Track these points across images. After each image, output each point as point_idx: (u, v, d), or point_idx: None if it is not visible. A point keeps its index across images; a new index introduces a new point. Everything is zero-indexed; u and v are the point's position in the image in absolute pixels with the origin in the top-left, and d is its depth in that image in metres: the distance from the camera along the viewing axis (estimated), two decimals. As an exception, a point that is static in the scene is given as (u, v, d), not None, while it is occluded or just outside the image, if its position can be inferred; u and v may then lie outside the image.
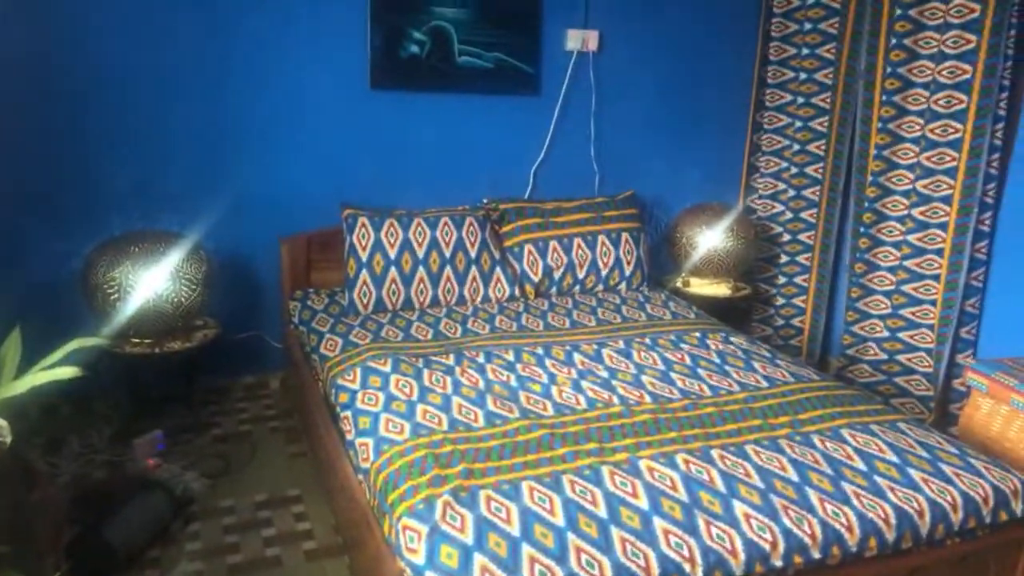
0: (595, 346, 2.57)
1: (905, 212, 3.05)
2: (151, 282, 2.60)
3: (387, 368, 2.33)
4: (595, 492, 1.71)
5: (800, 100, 3.53)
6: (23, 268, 2.72)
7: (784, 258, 3.68)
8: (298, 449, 2.77)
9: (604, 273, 3.20)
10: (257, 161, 3.05)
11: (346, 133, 3.18)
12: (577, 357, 2.48)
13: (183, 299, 2.67)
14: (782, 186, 3.67)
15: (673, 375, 2.37)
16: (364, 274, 2.88)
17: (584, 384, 2.28)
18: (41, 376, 1.66)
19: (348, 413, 2.17)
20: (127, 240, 2.65)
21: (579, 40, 3.43)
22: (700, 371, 2.41)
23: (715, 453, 1.89)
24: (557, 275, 3.14)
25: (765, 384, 2.32)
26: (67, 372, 1.65)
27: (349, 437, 2.11)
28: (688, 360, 2.48)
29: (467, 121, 3.36)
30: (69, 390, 2.06)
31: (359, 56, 3.11)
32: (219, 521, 2.34)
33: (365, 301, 2.87)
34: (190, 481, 2.48)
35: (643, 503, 1.68)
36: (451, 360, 2.42)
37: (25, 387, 1.63)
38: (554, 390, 2.23)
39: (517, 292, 3.07)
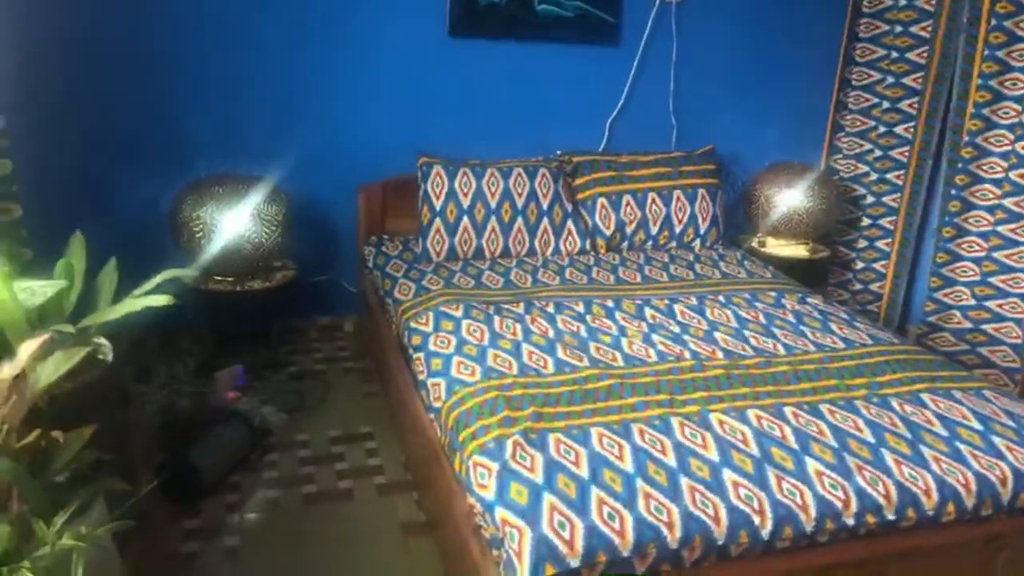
0: (667, 301, 2.55)
1: (1003, 175, 2.89)
2: (233, 222, 2.69)
3: (459, 313, 2.36)
4: (664, 441, 1.71)
5: (894, 55, 3.35)
6: (117, 208, 2.84)
7: (866, 221, 3.55)
8: (371, 389, 2.85)
9: (678, 229, 3.15)
10: (335, 109, 3.09)
11: (423, 81, 3.18)
12: (648, 311, 2.46)
13: (263, 240, 2.75)
14: (868, 146, 3.52)
15: (747, 333, 2.33)
16: (437, 222, 2.91)
17: (655, 338, 2.27)
18: (136, 302, 1.74)
19: (421, 355, 2.21)
20: (211, 182, 2.73)
21: (663, -12, 3.33)
22: (775, 330, 2.36)
23: (788, 411, 1.86)
24: (630, 230, 3.11)
25: (842, 345, 2.27)
26: (160, 300, 1.73)
27: (421, 378, 2.15)
28: (763, 319, 2.44)
29: (544, 71, 3.32)
30: (157, 323, 2.16)
31: (438, 4, 3.10)
32: (295, 453, 2.44)
33: (438, 248, 2.90)
34: (268, 415, 2.58)
35: (713, 455, 1.67)
36: (521, 308, 2.43)
37: (121, 312, 1.71)
38: (624, 342, 2.23)
39: (588, 245, 3.05)
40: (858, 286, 3.61)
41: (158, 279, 1.87)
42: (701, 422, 1.80)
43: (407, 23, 3.09)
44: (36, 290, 1.44)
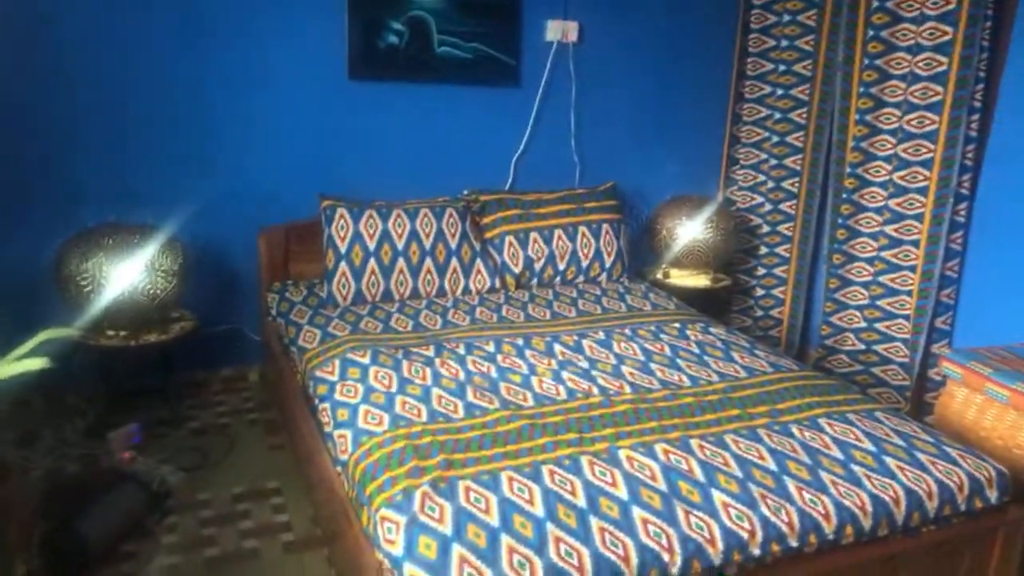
0: (575, 337, 2.57)
1: (882, 203, 3.07)
2: (126, 274, 2.57)
3: (366, 360, 2.31)
4: (574, 482, 1.71)
5: (779, 92, 3.54)
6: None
7: (763, 249, 3.70)
8: (277, 441, 2.75)
9: (585, 264, 3.20)
10: (234, 152, 3.02)
11: (324, 124, 3.15)
12: (557, 348, 2.47)
13: (159, 291, 2.64)
14: (761, 177, 3.69)
15: (653, 365, 2.37)
16: (343, 266, 2.86)
17: (564, 375, 2.28)
18: (9, 368, 1.62)
19: (327, 405, 2.15)
20: (101, 232, 2.61)
21: (559, 31, 3.42)
22: (680, 361, 2.41)
23: (694, 443, 1.89)
24: (538, 267, 3.13)
25: (744, 374, 2.33)
26: (35, 363, 1.62)
27: (327, 429, 2.09)
28: (668, 350, 2.49)
29: (447, 112, 3.35)
30: (43, 383, 2.03)
31: (337, 47, 3.09)
32: (196, 514, 2.32)
33: (344, 293, 2.85)
34: (166, 474, 2.45)
35: (622, 493, 1.68)
36: (431, 351, 2.40)
37: (-7, 380, 1.59)
38: (534, 380, 2.23)
39: (498, 284, 3.06)
40: (759, 312, 3.75)
41: (36, 340, 1.76)
42: (610, 459, 1.81)
43: (307, 65, 3.06)
44: None
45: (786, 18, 3.46)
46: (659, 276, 3.55)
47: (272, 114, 3.05)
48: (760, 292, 3.73)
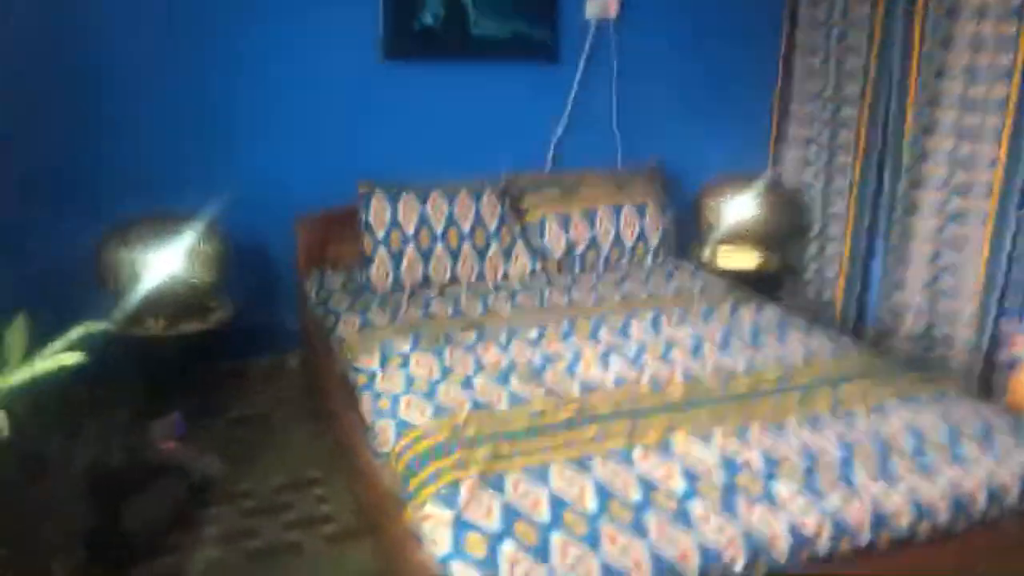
0: (622, 321, 2.47)
1: (945, 176, 2.90)
2: (164, 263, 2.55)
3: (407, 347, 2.25)
4: (627, 475, 1.62)
5: (833, 63, 3.36)
6: (33, 253, 2.65)
7: (815, 228, 3.54)
8: (318, 430, 2.70)
9: (629, 246, 3.09)
10: (270, 139, 2.96)
11: (359, 106, 3.08)
12: (603, 332, 2.38)
13: (197, 280, 2.61)
14: (812, 153, 3.52)
15: (704, 350, 2.26)
16: (381, 251, 2.80)
17: (611, 361, 2.18)
18: (46, 362, 1.59)
19: (367, 395, 2.09)
20: (139, 222, 2.58)
21: (599, 6, 3.29)
22: (733, 345, 2.30)
23: (753, 432, 1.79)
24: (580, 249, 3.03)
25: (802, 357, 2.21)
26: (71, 358, 1.59)
27: (368, 418, 2.03)
28: (719, 334, 2.38)
29: (484, 92, 3.25)
30: (85, 375, 2.00)
31: (371, 28, 3.01)
32: (238, 505, 2.29)
33: (383, 279, 2.78)
34: (207, 465, 2.42)
35: (679, 486, 1.59)
36: (473, 338, 2.33)
37: (28, 374, 1.56)
38: (580, 367, 2.14)
39: (539, 267, 2.97)
40: (811, 293, 3.59)
41: (74, 334, 1.72)
42: (663, 450, 1.72)
43: (341, 48, 2.99)
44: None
45: (838, -17, 3.28)
46: (706, 257, 3.42)
47: (306, 99, 2.98)
48: (812, 272, 3.58)
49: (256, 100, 2.92)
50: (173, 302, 2.61)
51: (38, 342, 1.78)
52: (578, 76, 3.33)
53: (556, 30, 3.26)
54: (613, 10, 3.30)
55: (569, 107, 3.36)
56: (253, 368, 3.12)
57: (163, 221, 2.60)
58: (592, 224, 3.06)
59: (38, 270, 2.60)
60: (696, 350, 2.26)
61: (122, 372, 2.65)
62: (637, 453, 1.70)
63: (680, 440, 1.75)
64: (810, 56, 3.47)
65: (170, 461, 2.38)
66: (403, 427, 1.86)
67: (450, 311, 2.58)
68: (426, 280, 2.82)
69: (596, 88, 3.39)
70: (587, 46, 3.31)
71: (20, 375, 1.56)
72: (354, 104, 3.07)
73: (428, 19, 3.08)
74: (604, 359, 2.20)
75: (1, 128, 2.56)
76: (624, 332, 2.38)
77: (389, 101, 3.12)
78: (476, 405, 1.93)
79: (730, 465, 1.66)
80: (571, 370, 2.12)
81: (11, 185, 2.61)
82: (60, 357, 1.59)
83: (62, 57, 2.62)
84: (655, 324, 2.44)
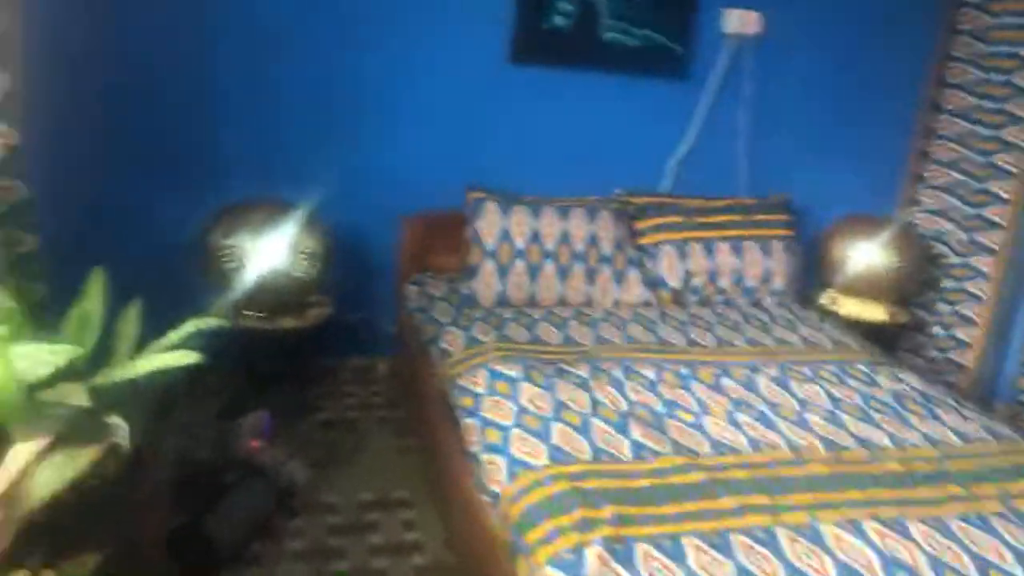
0: (747, 371, 2.27)
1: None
2: (269, 253, 2.46)
3: (516, 373, 2.10)
4: (774, 562, 1.43)
5: (987, 104, 3.08)
6: (140, 232, 2.60)
7: (948, 283, 3.26)
8: (406, 444, 2.58)
9: (750, 284, 2.88)
10: (381, 135, 2.86)
11: (476, 110, 2.95)
12: (727, 383, 2.18)
13: (300, 273, 2.52)
14: (954, 201, 3.24)
15: (843, 417, 2.05)
16: (489, 264, 2.66)
17: (741, 418, 1.99)
18: (159, 359, 1.49)
19: (473, 421, 1.95)
20: (246, 207, 2.51)
21: (738, 21, 3.09)
22: (874, 414, 2.08)
23: (914, 527, 1.58)
24: (698, 282, 2.84)
25: (957, 439, 1.98)
26: (187, 357, 1.48)
27: (474, 449, 1.89)
28: (858, 399, 2.16)
29: (605, 103, 3.08)
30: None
31: (497, 29, 2.87)
32: (323, 519, 2.18)
33: (488, 293, 2.65)
34: (294, 471, 2.32)
35: (835, 584, 1.39)
36: (586, 371, 2.16)
37: (143, 371, 1.47)
38: (708, 422, 1.95)
39: (652, 298, 2.78)
40: (934, 353, 3.31)
41: (185, 329, 1.62)
42: (813, 535, 1.52)
43: (466, 45, 2.87)
44: (41, 358, 1.20)
45: (1007, 20, 3.00)
46: (829, 303, 3.17)
47: (424, 97, 2.87)
48: (939, 331, 3.29)
49: (373, 95, 2.83)
50: (274, 295, 2.52)
51: (145, 322, 1.70)
52: (707, 94, 3.14)
53: (690, 42, 3.07)
54: (753, 26, 3.09)
55: (695, 125, 3.17)
56: (343, 368, 3.03)
57: (271, 207, 2.52)
58: (711, 256, 2.86)
59: (149, 247, 2.55)
60: (833, 416, 2.05)
61: (216, 363, 2.57)
62: (783, 536, 1.51)
63: (830, 525, 1.55)
64: (963, 93, 3.19)
65: (257, 462, 2.29)
66: (517, 467, 1.71)
67: (559, 337, 2.42)
68: (532, 299, 2.67)
69: (725, 108, 3.19)
70: (721, 62, 3.11)
71: (133, 370, 1.47)
72: (471, 105, 2.94)
73: (558, 20, 2.93)
74: (732, 415, 2.00)
75: (123, 110, 2.52)
76: (751, 386, 2.18)
77: (508, 106, 2.98)
78: (596, 453, 1.76)
79: (891, 566, 1.45)
80: (698, 424, 1.94)
81: (128, 163, 2.57)
82: (175, 355, 1.49)
83: (181, 36, 2.55)
84: (784, 379, 2.23)
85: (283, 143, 2.75)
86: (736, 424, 1.96)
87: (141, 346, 1.57)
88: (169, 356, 1.50)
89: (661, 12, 3.00)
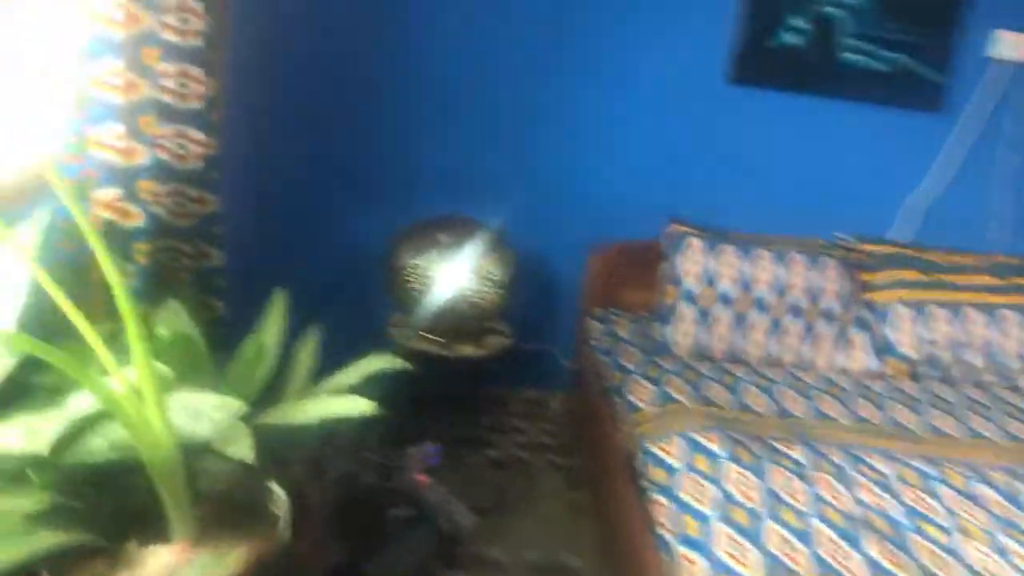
0: (1007, 477, 1.83)
1: None
2: (454, 277, 2.33)
3: (719, 449, 1.80)
4: None
5: None
6: (324, 247, 2.57)
7: None
8: (580, 500, 2.34)
9: (1008, 363, 2.38)
10: (577, 156, 2.67)
11: (684, 134, 2.67)
12: (984, 491, 1.76)
13: (483, 299, 2.36)
14: None
15: None
16: (686, 308, 2.37)
17: (1008, 544, 1.58)
18: (332, 405, 1.35)
19: (664, 500, 1.68)
20: (435, 226, 2.39)
21: (1011, 45, 2.59)
22: None
23: None
24: (940, 353, 2.38)
25: None
26: (364, 407, 1.33)
27: (666, 536, 1.61)
28: None
29: (836, 133, 2.71)
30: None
31: (715, 44, 2.58)
32: (486, 577, 1.99)
33: (684, 341, 2.36)
34: (460, 515, 2.15)
35: None
36: (802, 455, 1.82)
37: (315, 417, 1.33)
38: (964, 545, 1.56)
39: (880, 367, 2.37)
40: None
41: (364, 369, 1.48)
42: None
43: (681, 62, 2.60)
44: (203, 410, 1.07)
45: None
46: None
47: (629, 118, 2.63)
48: None
49: (576, 115, 2.62)
50: (455, 320, 2.38)
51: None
52: (963, 129, 2.67)
53: (948, 69, 2.62)
54: (1031, 52, 2.59)
55: (943, 166, 2.70)
56: (513, 399, 2.85)
57: (458, 231, 2.38)
58: (958, 323, 2.40)
59: (329, 268, 2.53)
60: None
61: (391, 384, 2.48)
62: None
63: None
64: None
65: (422, 498, 2.15)
66: (722, 573, 1.42)
67: (770, 406, 2.09)
68: (735, 354, 2.35)
69: (983, 147, 2.70)
70: (984, 93, 2.63)
71: (303, 413, 1.34)
72: (680, 129, 2.67)
73: (788, 37, 2.59)
74: (995, 538, 1.59)
75: (319, 122, 2.49)
76: (1015, 499, 1.75)
77: (721, 131, 2.69)
78: (822, 569, 1.44)
79: None
80: (952, 548, 1.55)
81: (319, 174, 2.54)
82: (350, 402, 1.34)
83: (381, 48, 2.48)
84: (1062, 495, 1.77)
85: (476, 163, 2.62)
86: (1002, 551, 1.55)
87: (314, 371, 1.44)
88: (342, 402, 1.35)
89: (919, 33, 2.57)
